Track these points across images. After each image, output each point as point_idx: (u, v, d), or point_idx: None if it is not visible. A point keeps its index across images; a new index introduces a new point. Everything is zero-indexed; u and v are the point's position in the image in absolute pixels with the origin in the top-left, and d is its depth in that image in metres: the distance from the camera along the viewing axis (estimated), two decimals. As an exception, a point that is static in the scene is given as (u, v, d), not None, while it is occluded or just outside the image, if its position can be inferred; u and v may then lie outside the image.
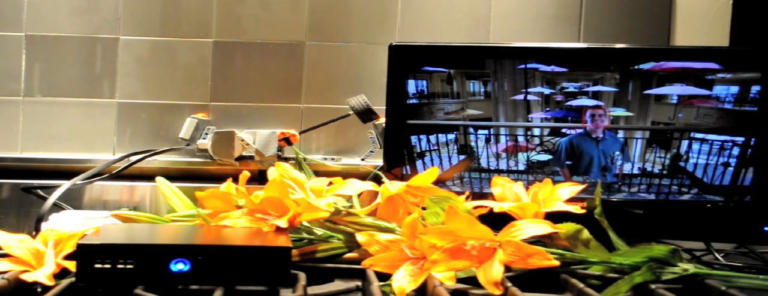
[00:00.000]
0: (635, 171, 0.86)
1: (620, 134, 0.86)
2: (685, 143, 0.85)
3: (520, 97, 0.87)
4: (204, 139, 1.12)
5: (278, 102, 1.17)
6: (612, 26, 1.18)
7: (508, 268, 0.60)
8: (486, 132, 0.88)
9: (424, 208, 0.69)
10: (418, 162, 0.88)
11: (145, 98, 1.16)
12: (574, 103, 0.86)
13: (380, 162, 0.96)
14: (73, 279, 0.58)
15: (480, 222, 0.59)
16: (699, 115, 0.84)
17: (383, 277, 0.62)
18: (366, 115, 1.04)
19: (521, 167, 0.88)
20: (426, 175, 0.73)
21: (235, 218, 0.69)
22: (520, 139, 0.87)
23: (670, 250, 0.62)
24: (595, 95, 0.86)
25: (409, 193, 0.73)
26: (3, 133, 1.15)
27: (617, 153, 0.86)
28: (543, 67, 0.86)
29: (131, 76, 1.16)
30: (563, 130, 0.87)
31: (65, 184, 0.93)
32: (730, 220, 0.85)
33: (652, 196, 0.86)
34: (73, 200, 1.04)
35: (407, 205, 0.73)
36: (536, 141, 0.87)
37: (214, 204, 0.72)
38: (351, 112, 1.04)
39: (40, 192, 1.01)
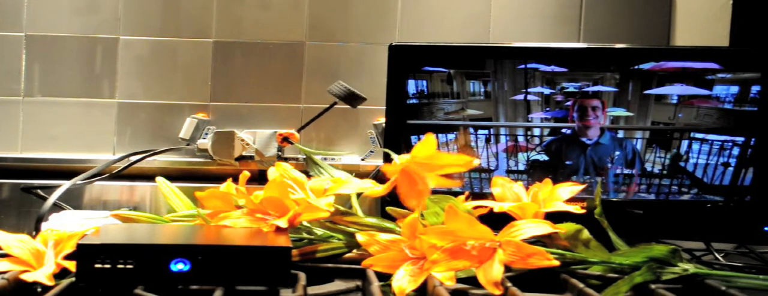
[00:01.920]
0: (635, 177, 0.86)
1: (637, 138, 0.84)
2: (685, 143, 0.85)
3: (520, 97, 0.87)
4: (204, 138, 1.12)
5: (278, 102, 1.17)
6: (612, 26, 1.18)
7: (508, 268, 0.60)
8: (486, 132, 0.88)
9: (422, 216, 0.69)
10: (418, 162, 0.88)
11: (145, 98, 1.16)
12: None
13: (380, 162, 0.96)
14: (73, 279, 0.58)
15: (480, 222, 0.59)
16: (699, 115, 0.84)
17: (383, 277, 0.62)
18: (351, 99, 1.04)
19: (521, 167, 0.88)
20: (425, 143, 0.69)
21: (235, 218, 0.69)
22: (520, 138, 0.87)
23: (670, 250, 0.62)
24: (595, 95, 0.86)
25: (416, 164, 0.70)
26: (3, 133, 1.15)
27: (616, 157, 0.84)
28: (543, 67, 0.86)
29: (131, 76, 1.16)
30: (563, 131, 0.87)
31: (65, 184, 0.93)
32: (730, 220, 0.85)
33: (652, 196, 0.86)
34: (73, 200, 1.04)
35: (421, 175, 0.69)
36: (536, 141, 0.87)
37: (214, 204, 0.72)
38: (338, 101, 1.05)
39: (40, 192, 1.00)
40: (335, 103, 1.07)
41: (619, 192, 0.86)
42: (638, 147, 0.84)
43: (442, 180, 0.69)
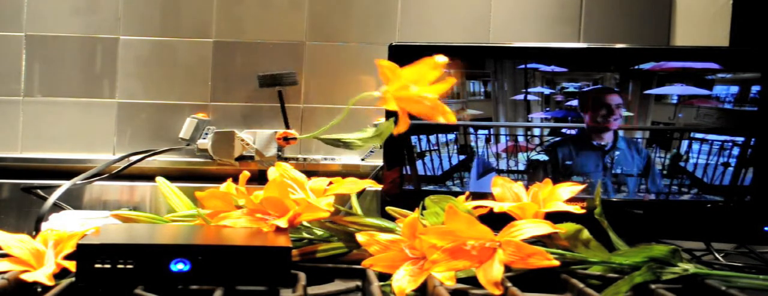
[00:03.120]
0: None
1: (637, 138, 0.84)
2: (685, 143, 0.85)
3: (520, 97, 0.87)
4: (204, 138, 1.11)
5: (278, 102, 1.17)
6: (612, 26, 1.18)
7: (508, 268, 0.60)
8: (486, 132, 0.88)
9: (422, 215, 0.69)
10: (418, 162, 0.88)
11: (145, 98, 1.16)
12: (575, 103, 0.86)
13: (380, 162, 0.96)
14: (73, 279, 0.58)
15: (480, 222, 0.59)
16: (699, 115, 0.84)
17: (383, 277, 0.62)
18: (280, 80, 1.10)
19: (521, 167, 0.88)
20: (388, 71, 0.63)
21: (235, 218, 0.69)
22: (520, 138, 0.87)
23: (670, 250, 0.62)
24: (614, 90, 0.86)
25: (400, 87, 0.64)
26: (3, 133, 1.15)
27: (630, 168, 0.82)
28: (543, 67, 0.86)
29: (131, 76, 1.16)
30: (562, 131, 0.87)
31: (65, 184, 0.93)
32: (730, 220, 0.85)
33: (652, 196, 0.86)
34: (73, 200, 1.04)
35: (418, 94, 0.64)
36: (536, 141, 0.87)
37: (214, 204, 0.72)
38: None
39: (40, 192, 1.00)
40: (281, 91, 1.13)
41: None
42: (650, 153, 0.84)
43: (440, 87, 0.64)
